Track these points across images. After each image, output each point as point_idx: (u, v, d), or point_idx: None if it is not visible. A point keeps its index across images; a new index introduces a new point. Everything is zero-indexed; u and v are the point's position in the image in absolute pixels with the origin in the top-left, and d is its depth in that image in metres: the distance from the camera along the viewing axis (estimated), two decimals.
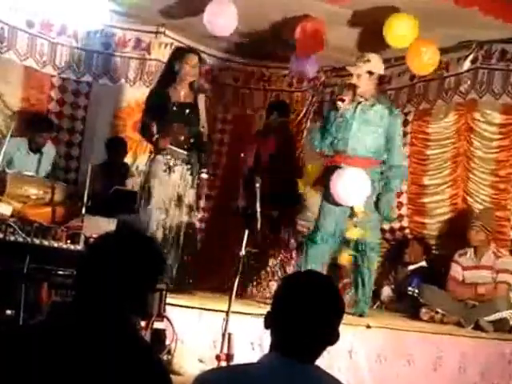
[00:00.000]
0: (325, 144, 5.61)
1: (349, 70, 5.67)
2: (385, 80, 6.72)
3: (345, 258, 5.72)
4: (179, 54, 5.68)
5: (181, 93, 5.58)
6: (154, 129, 5.44)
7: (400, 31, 5.90)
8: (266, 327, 2.04)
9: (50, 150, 6.84)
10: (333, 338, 2.03)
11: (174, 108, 5.51)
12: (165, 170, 5.45)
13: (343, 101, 5.44)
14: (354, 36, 6.67)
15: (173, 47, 6.78)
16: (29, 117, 6.92)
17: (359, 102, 5.52)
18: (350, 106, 5.48)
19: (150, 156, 5.64)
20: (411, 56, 6.25)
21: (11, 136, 5.78)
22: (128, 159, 7.31)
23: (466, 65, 6.83)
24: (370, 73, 5.53)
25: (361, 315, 5.50)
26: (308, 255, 5.56)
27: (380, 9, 5.97)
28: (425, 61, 6.20)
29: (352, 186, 5.39)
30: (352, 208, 5.47)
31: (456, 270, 6.41)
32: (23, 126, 6.77)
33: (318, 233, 5.55)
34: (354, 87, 5.52)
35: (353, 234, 5.53)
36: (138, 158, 7.35)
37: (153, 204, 5.40)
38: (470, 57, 6.79)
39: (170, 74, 5.61)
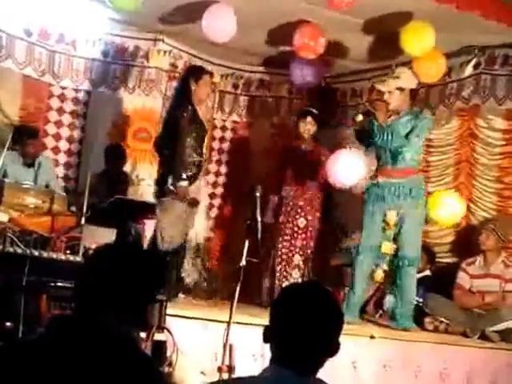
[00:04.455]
0: None
1: (379, 88, 5.68)
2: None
3: (379, 276, 5.75)
4: (194, 72, 5.75)
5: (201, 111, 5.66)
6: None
7: (420, 39, 5.85)
8: (265, 341, 2.02)
9: (45, 161, 6.57)
10: (333, 349, 2.01)
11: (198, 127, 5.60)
12: None
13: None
14: (358, 42, 6.65)
15: (187, 64, 6.93)
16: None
17: (390, 116, 5.59)
18: (384, 123, 5.53)
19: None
20: (424, 65, 6.12)
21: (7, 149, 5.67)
22: (127, 167, 7.25)
23: (469, 70, 6.77)
24: (401, 89, 5.53)
25: (405, 329, 5.54)
26: (353, 268, 5.68)
27: (387, 17, 5.93)
28: (436, 70, 6.21)
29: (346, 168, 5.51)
30: (384, 220, 5.58)
31: (463, 279, 6.30)
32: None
33: (359, 246, 5.66)
34: (386, 104, 5.57)
35: (386, 249, 5.61)
36: (137, 166, 7.29)
37: None
38: (473, 62, 6.73)
39: (186, 92, 5.62)
